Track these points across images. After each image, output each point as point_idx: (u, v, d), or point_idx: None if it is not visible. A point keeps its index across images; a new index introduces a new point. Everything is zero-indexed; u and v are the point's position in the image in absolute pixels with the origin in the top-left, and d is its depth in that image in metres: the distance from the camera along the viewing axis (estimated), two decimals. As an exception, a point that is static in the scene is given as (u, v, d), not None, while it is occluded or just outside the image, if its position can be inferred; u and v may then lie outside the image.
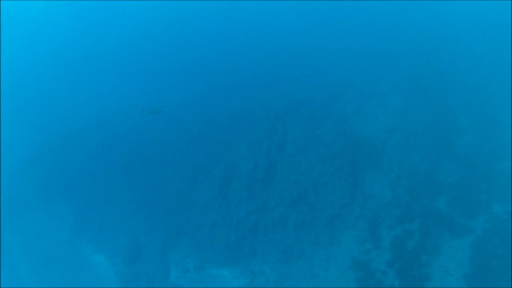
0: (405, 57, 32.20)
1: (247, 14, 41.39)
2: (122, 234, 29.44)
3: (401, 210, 25.74)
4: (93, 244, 29.60)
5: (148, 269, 26.70)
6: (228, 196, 28.35)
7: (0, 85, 45.13)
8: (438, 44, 32.35)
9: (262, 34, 38.96)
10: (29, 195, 34.02)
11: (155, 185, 31.29)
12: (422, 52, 32.25)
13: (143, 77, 40.10)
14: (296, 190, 27.27)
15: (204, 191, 29.36)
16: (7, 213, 32.99)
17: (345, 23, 37.24)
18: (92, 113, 38.72)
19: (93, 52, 44.14)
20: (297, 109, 30.28)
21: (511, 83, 28.11)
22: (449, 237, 23.59)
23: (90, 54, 44.22)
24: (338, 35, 36.28)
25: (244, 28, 39.36)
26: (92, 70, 42.85)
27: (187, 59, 39.74)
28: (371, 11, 36.88)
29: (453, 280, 21.79)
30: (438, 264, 22.87)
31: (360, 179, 27.25)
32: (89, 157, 35.10)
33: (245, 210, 27.54)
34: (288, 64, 34.29)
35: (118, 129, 36.71)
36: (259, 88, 33.16)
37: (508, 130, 26.56)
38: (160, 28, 44.80)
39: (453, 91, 29.24)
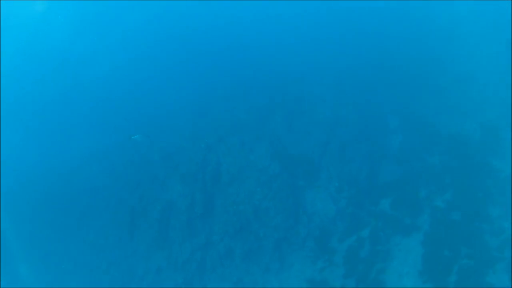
0: (330, 69, 32.63)
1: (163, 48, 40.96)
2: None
3: (348, 221, 25.36)
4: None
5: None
6: (169, 237, 27.05)
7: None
8: (360, 52, 32.84)
9: (185, 64, 38.31)
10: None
11: (92, 237, 29.15)
12: (345, 62, 32.74)
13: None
14: (238, 220, 26.12)
15: (144, 236, 27.98)
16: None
17: (265, 41, 37.32)
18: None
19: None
20: (228, 136, 29.53)
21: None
22: (399, 239, 22.94)
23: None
24: (262, 55, 36.19)
25: (163, 61, 38.65)
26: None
27: (106, 98, 38.34)
28: (291, 27, 37.29)
29: (408, 282, 21.54)
30: (392, 268, 22.16)
31: (301, 198, 26.45)
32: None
33: (189, 249, 26.24)
34: (213, 92, 33.74)
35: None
36: (187, 120, 32.38)
37: (432, 124, 27.08)
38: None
39: (379, 95, 30.07)
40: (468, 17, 33.60)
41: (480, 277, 19.46)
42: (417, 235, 22.89)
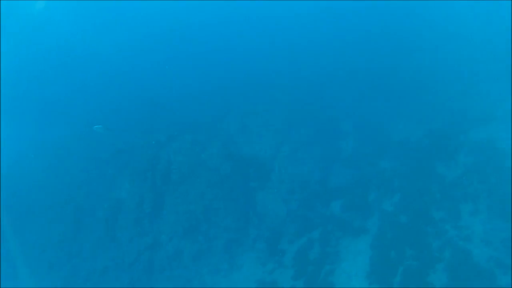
0: (285, 72, 32.77)
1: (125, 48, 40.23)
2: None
3: (298, 223, 25.50)
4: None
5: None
6: (116, 236, 26.16)
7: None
8: (315, 56, 33.23)
9: (139, 58, 37.59)
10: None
11: (33, 236, 27.67)
12: (300, 65, 33.01)
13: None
14: (187, 220, 25.63)
15: (89, 235, 27.02)
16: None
17: (223, 42, 37.22)
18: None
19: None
20: (180, 134, 29.17)
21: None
22: (348, 241, 23.09)
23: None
24: (217, 54, 36.00)
25: (114, 58, 37.79)
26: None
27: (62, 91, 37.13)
28: (249, 30, 37.35)
29: (357, 283, 21.55)
30: (341, 270, 22.45)
31: (252, 199, 26.32)
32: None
33: (136, 249, 25.48)
34: (167, 89, 33.21)
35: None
36: (138, 116, 31.58)
37: (384, 129, 27.77)
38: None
39: (333, 99, 30.28)
40: (425, 21, 34.79)
41: (422, 277, 19.81)
42: (365, 237, 23.17)
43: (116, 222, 26.85)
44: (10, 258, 28.52)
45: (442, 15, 34.43)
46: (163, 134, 29.86)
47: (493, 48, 29.89)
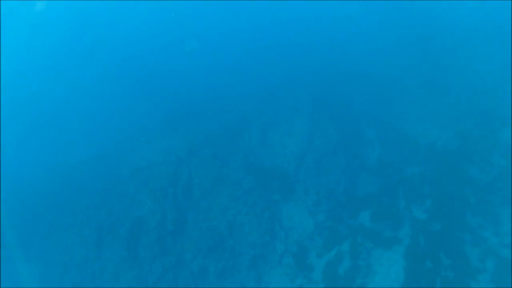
0: (305, 81, 32.48)
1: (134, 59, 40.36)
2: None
3: (326, 235, 24.60)
4: None
5: None
6: (139, 255, 25.75)
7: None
8: (335, 63, 32.85)
9: (156, 76, 37.58)
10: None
11: (55, 257, 27.52)
12: (320, 73, 32.65)
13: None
14: (211, 237, 25.08)
15: (112, 255, 26.62)
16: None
17: (241, 53, 37.06)
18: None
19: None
20: (200, 149, 28.73)
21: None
22: (380, 253, 22.31)
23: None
24: (235, 66, 35.83)
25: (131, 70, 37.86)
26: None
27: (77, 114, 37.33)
28: (268, 40, 37.20)
29: None
30: (374, 284, 21.91)
31: (278, 212, 25.65)
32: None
33: (160, 268, 24.99)
34: (185, 103, 33.02)
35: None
36: (157, 133, 31.28)
37: (410, 134, 27.04)
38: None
39: (356, 106, 29.78)
40: (447, 21, 34.12)
41: (463, 288, 18.93)
42: (398, 247, 22.42)
43: (138, 241, 26.50)
44: (31, 279, 28.41)
45: (465, 14, 33.67)
46: (183, 150, 29.52)
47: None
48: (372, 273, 22.17)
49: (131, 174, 30.28)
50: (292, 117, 30.84)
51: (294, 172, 27.77)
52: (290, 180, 27.36)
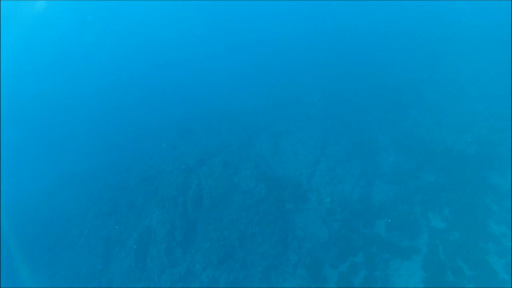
0: (317, 88, 32.02)
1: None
2: None
3: (341, 246, 23.87)
4: None
5: None
6: (147, 267, 25.29)
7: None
8: (348, 70, 32.56)
9: (164, 82, 37.52)
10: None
11: (63, 268, 27.07)
12: (333, 80, 32.26)
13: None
14: (222, 247, 24.56)
15: (119, 266, 26.22)
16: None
17: (251, 62, 36.96)
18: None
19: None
20: (210, 158, 28.37)
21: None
22: (397, 263, 21.70)
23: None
24: (246, 74, 35.69)
25: (142, 79, 37.88)
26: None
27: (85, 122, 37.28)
28: (278, 48, 37.10)
29: None
30: None
31: (290, 222, 25.16)
32: None
33: (169, 280, 24.54)
34: (196, 111, 32.76)
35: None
36: (167, 141, 31.17)
37: (425, 140, 26.40)
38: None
39: (368, 114, 28.96)
40: (460, 33, 33.90)
41: (489, 301, 18.39)
42: (416, 258, 21.89)
43: (146, 251, 26.10)
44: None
45: (478, 18, 33.45)
46: (192, 158, 29.23)
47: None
48: (389, 284, 21.57)
49: (140, 183, 30.08)
50: (304, 125, 30.61)
51: (306, 181, 27.38)
52: (302, 188, 26.95)
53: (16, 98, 41.82)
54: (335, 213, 25.64)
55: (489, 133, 25.21)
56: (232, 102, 34.27)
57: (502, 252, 19.72)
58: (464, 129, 26.34)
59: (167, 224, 26.21)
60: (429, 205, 23.74)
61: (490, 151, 24.21)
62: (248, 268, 24.70)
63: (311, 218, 25.84)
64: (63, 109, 39.62)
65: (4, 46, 45.35)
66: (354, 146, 28.52)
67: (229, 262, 24.90)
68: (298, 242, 25.10)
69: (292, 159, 28.79)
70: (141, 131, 34.43)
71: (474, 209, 22.05)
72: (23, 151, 38.52)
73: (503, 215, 20.93)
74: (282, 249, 24.89)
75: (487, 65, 29.82)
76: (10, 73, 43.90)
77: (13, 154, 37.51)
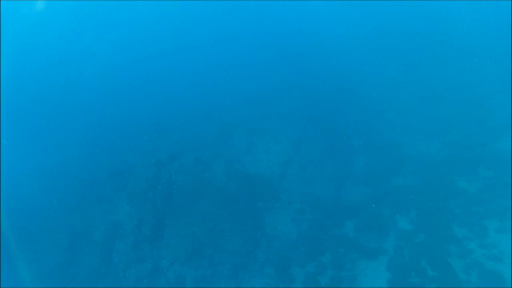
0: (293, 88, 32.45)
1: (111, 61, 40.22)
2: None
3: (310, 245, 24.19)
4: None
5: None
6: (113, 262, 25.12)
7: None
8: (324, 71, 32.98)
9: (137, 76, 37.32)
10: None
11: (25, 263, 26.54)
12: (309, 81, 32.67)
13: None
14: (190, 244, 24.68)
15: (84, 261, 25.80)
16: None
17: (229, 56, 37.12)
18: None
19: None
20: (182, 153, 28.35)
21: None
22: (364, 264, 22.11)
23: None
24: (222, 69, 35.82)
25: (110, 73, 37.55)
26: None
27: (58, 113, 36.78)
28: (255, 47, 37.32)
29: None
30: None
31: (260, 220, 25.39)
32: None
33: (134, 276, 24.43)
34: (168, 105, 32.78)
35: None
36: (138, 134, 30.92)
37: (397, 144, 27.25)
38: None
39: (343, 115, 29.50)
40: (434, 40, 34.61)
41: (449, 301, 18.85)
42: (383, 259, 22.28)
43: (113, 246, 25.90)
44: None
45: (454, 23, 34.20)
46: (163, 153, 29.15)
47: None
48: (356, 284, 21.86)
49: (109, 177, 29.76)
50: (279, 124, 30.85)
51: (278, 179, 27.59)
52: (274, 187, 27.14)
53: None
54: (305, 212, 25.89)
55: (459, 139, 25.85)
56: (207, 98, 34.34)
57: (462, 254, 20.31)
58: (435, 135, 26.93)
59: (135, 219, 26.07)
60: (398, 207, 24.12)
61: (459, 157, 24.84)
62: (216, 266, 24.71)
63: (281, 217, 26.01)
64: (32, 100, 38.99)
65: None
66: (327, 147, 28.90)
67: (196, 259, 24.90)
68: (267, 241, 25.24)
69: (265, 157, 28.97)
70: (113, 125, 34.13)
71: (439, 213, 22.61)
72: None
73: (466, 219, 21.47)
74: (251, 247, 25.00)
75: (462, 72, 30.54)
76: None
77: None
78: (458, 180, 23.51)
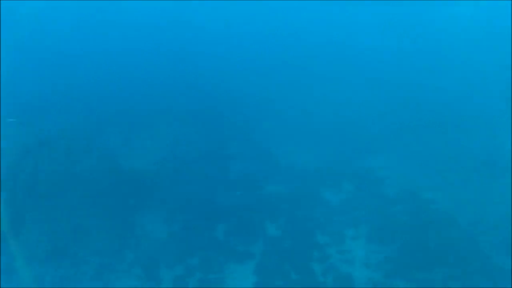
0: (175, 86, 32.46)
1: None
2: None
3: (180, 247, 23.98)
4: None
5: None
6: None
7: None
8: (209, 73, 33.54)
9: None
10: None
11: None
12: (194, 82, 32.92)
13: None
14: (51, 241, 23.16)
15: None
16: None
17: (110, 53, 36.18)
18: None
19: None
20: (54, 141, 26.31)
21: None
22: (232, 267, 22.78)
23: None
24: (102, 64, 34.64)
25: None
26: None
27: None
28: (141, 44, 36.76)
29: None
30: None
31: (131, 219, 24.76)
32: None
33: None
34: (45, 89, 30.64)
35: None
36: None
37: (272, 153, 28.87)
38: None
39: (225, 120, 30.75)
40: (317, 57, 37.23)
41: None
42: (250, 262, 23.20)
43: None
44: None
45: (349, 43, 37.00)
46: (32, 139, 26.86)
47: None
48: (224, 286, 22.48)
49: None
50: (159, 122, 30.53)
51: (152, 178, 27.30)
52: (147, 185, 26.77)
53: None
54: (177, 213, 25.93)
55: (329, 153, 28.41)
56: (88, 87, 32.79)
57: (322, 258, 22.38)
58: (309, 147, 29.13)
59: (-11, 210, 23.64)
60: (268, 214, 25.46)
61: (326, 170, 27.19)
62: (79, 265, 23.35)
63: (152, 217, 25.69)
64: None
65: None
66: (205, 150, 29.44)
67: (58, 258, 23.28)
68: (135, 240, 24.69)
69: (140, 154, 28.44)
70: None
71: (305, 221, 24.46)
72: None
73: (328, 227, 23.77)
74: (118, 247, 24.21)
75: (338, 91, 33.45)
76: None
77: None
78: (324, 191, 25.70)
